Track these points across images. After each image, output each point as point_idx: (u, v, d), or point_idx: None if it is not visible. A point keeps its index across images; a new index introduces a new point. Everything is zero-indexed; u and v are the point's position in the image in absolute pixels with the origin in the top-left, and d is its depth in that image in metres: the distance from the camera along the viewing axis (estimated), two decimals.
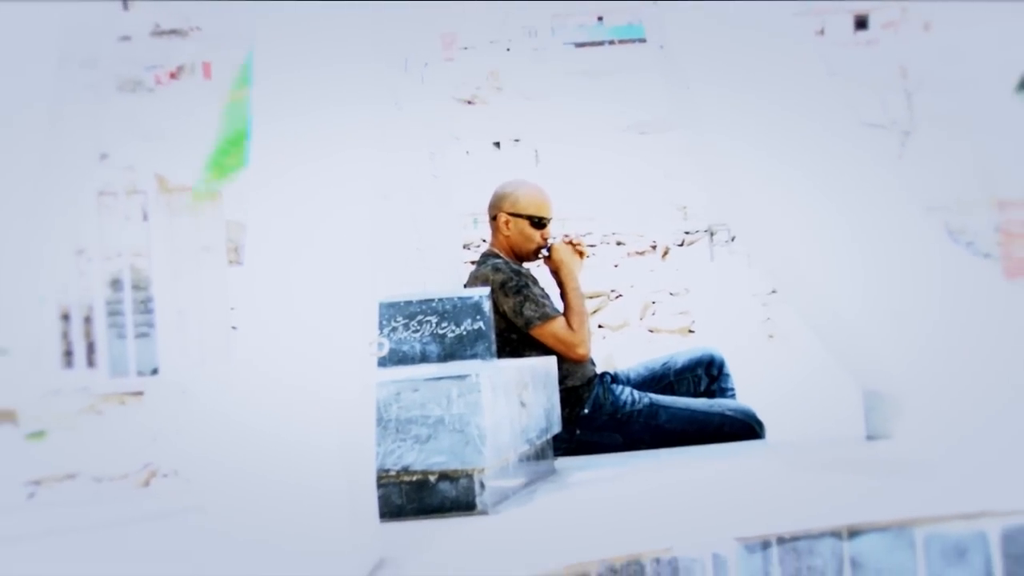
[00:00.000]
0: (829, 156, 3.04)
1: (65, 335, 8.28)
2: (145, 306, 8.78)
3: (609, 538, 2.24)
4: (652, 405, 3.89)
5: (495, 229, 4.01)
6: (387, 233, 3.65)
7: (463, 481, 2.72)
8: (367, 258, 2.31)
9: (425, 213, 3.87)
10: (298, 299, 2.21)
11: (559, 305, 3.91)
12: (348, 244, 2.26)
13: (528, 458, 3.17)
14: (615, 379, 4.05)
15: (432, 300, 3.17)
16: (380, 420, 2.69)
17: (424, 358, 3.13)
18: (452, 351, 3.15)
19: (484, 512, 2.70)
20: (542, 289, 3.93)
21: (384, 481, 2.71)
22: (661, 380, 4.15)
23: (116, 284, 9.03)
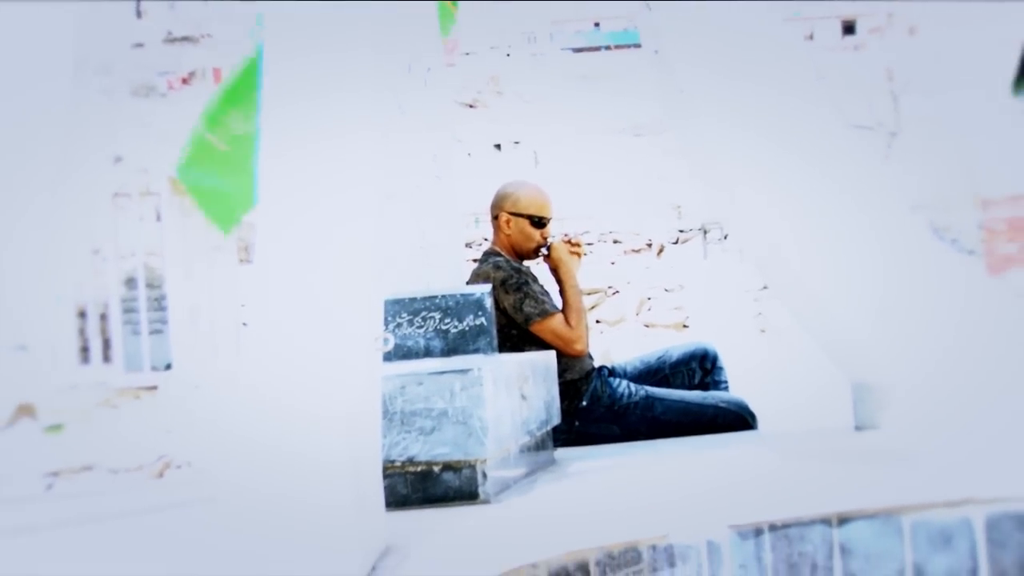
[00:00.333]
0: (818, 157, 3.04)
1: (82, 332, 8.28)
2: (159, 304, 8.77)
3: (607, 526, 2.24)
4: (648, 397, 3.89)
5: (496, 228, 4.01)
6: (391, 232, 3.65)
7: (466, 471, 2.72)
8: (372, 256, 2.30)
9: (428, 213, 3.86)
10: (306, 296, 2.21)
11: (558, 302, 3.91)
12: (354, 243, 2.26)
13: (529, 449, 3.17)
14: (612, 372, 4.05)
15: (435, 297, 3.17)
16: (386, 413, 2.69)
17: (428, 353, 3.13)
18: (455, 346, 3.15)
19: (487, 501, 2.70)
20: (542, 286, 3.93)
21: (390, 471, 2.71)
22: (657, 373, 4.15)
23: (131, 283, 9.02)
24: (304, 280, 2.23)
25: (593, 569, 2.03)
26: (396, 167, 3.67)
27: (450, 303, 3.18)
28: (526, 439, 3.10)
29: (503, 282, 3.76)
